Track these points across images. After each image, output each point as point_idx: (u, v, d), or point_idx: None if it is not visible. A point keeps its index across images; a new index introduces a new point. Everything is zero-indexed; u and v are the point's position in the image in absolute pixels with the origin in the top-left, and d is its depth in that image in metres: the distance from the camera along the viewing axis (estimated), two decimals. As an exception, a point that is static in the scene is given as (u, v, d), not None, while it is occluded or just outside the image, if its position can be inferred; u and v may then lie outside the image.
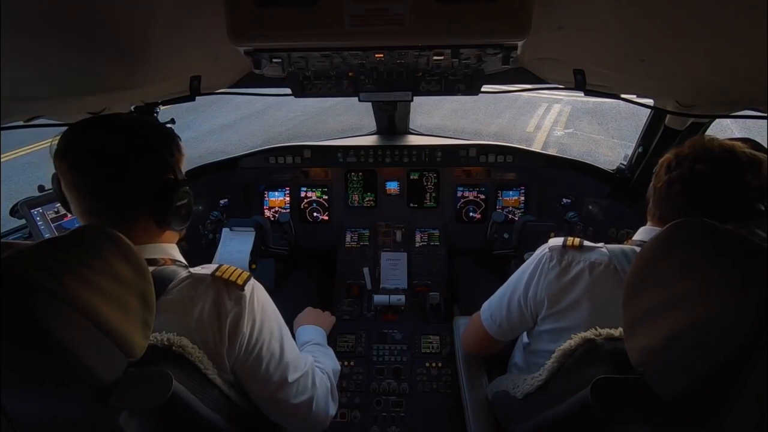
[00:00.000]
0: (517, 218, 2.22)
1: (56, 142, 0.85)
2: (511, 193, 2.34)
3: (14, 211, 1.62)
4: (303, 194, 2.38)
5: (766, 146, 1.02)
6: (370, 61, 1.16)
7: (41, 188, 1.60)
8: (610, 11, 0.84)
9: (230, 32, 0.82)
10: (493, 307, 1.28)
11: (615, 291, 0.93)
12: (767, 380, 0.51)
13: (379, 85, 1.40)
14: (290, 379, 0.98)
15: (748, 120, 1.39)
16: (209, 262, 1.01)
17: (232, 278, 0.87)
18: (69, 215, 1.68)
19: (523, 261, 1.23)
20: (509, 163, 2.25)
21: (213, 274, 0.87)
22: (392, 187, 2.36)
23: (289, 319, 1.53)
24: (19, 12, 0.66)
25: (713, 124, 1.63)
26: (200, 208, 2.16)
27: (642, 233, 1.10)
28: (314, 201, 2.39)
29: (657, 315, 0.67)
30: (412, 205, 2.37)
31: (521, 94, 6.40)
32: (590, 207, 2.15)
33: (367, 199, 2.37)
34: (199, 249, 1.91)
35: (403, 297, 1.96)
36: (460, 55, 1.07)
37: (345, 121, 7.54)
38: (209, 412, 0.81)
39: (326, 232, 2.37)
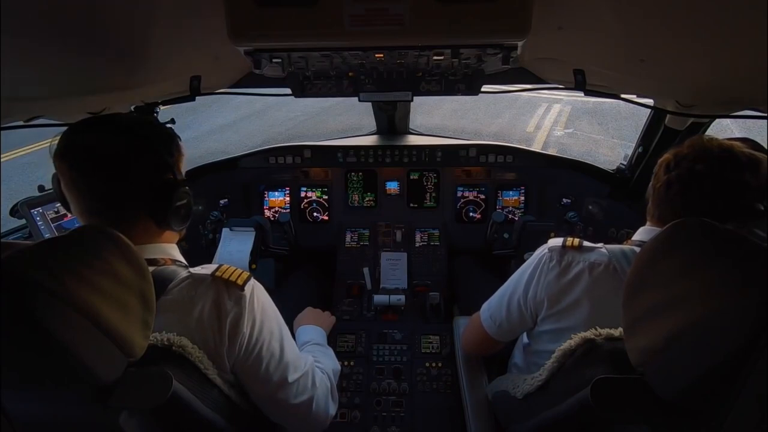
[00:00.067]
0: (517, 218, 2.22)
1: (56, 142, 0.85)
2: (511, 193, 2.34)
3: (14, 211, 1.62)
4: (303, 194, 2.38)
5: (764, 146, 1.02)
6: (370, 61, 1.16)
7: (41, 188, 1.60)
8: (610, 11, 0.84)
9: (230, 32, 0.82)
10: (493, 307, 1.28)
11: (615, 291, 0.94)
12: (767, 380, 0.51)
13: (379, 85, 1.40)
14: (290, 379, 0.98)
15: (748, 120, 1.39)
16: (209, 262, 1.01)
17: (232, 278, 0.87)
18: (69, 215, 1.68)
19: (523, 261, 1.23)
20: (509, 163, 2.25)
21: (213, 274, 0.87)
22: (392, 187, 2.36)
23: (289, 319, 1.53)
24: (19, 12, 0.66)
25: (713, 124, 1.63)
26: (200, 208, 2.16)
27: (641, 233, 1.10)
28: (314, 201, 2.39)
29: (657, 315, 0.67)
30: (412, 205, 2.37)
31: (521, 94, 6.41)
32: (590, 207, 2.15)
33: (367, 199, 2.37)
34: (199, 249, 1.91)
35: (403, 297, 1.96)
36: (460, 55, 1.07)
37: (345, 121, 7.54)
38: (209, 412, 0.81)
39: (326, 232, 2.37)
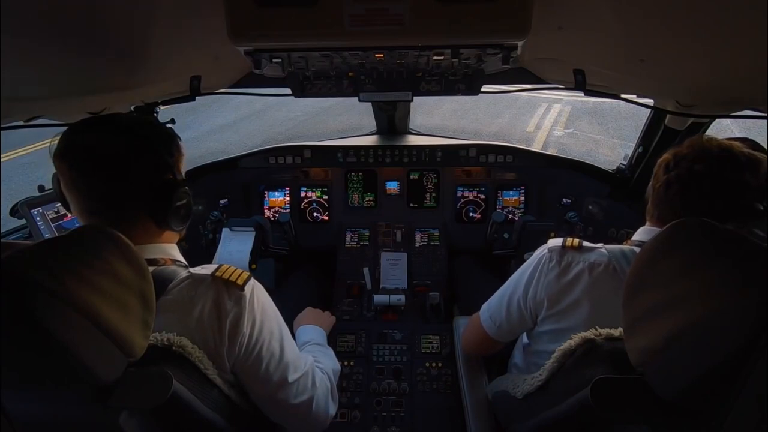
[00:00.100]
0: (517, 218, 2.22)
1: (56, 142, 0.85)
2: (511, 193, 2.34)
3: (14, 211, 1.62)
4: (303, 194, 2.38)
5: (763, 146, 1.02)
6: (370, 61, 1.16)
7: (41, 188, 1.60)
8: (610, 11, 0.84)
9: (230, 32, 0.82)
10: (493, 308, 1.28)
11: (614, 291, 0.94)
12: (767, 380, 0.51)
13: (379, 85, 1.40)
14: (290, 379, 0.98)
15: (748, 120, 1.39)
16: (209, 262, 1.01)
17: (232, 278, 0.87)
18: (69, 215, 1.68)
19: (523, 261, 1.23)
20: (509, 163, 2.25)
21: (213, 274, 0.87)
22: (392, 187, 2.36)
23: (289, 319, 1.53)
24: (19, 12, 0.66)
25: (713, 124, 1.63)
26: (200, 208, 2.16)
27: (641, 233, 1.10)
28: (314, 201, 2.39)
29: (657, 315, 0.67)
30: (412, 205, 2.37)
31: (521, 94, 6.42)
32: (590, 207, 2.15)
33: (367, 199, 2.37)
34: (199, 249, 1.91)
35: (403, 297, 1.96)
36: (460, 55, 1.07)
37: (345, 121, 7.54)
38: (209, 412, 0.81)
39: (326, 232, 2.37)
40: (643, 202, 1.14)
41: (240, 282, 0.87)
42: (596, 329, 0.86)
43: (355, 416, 1.66)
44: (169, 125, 1.02)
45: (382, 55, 1.09)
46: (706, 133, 1.60)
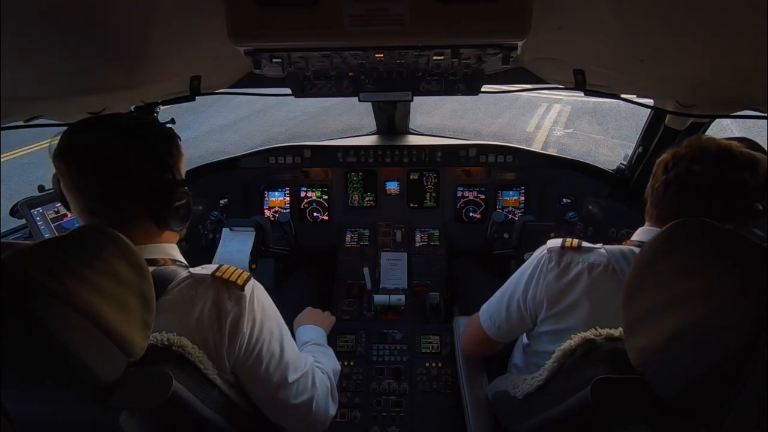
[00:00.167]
0: (517, 218, 2.22)
1: (56, 142, 0.85)
2: (511, 193, 2.34)
3: (14, 211, 1.62)
4: (303, 194, 2.38)
5: (763, 145, 1.02)
6: (370, 61, 1.16)
7: (41, 188, 1.60)
8: (610, 11, 0.84)
9: (230, 32, 0.82)
10: (492, 309, 1.28)
11: (614, 292, 0.94)
12: (767, 380, 0.51)
13: (379, 85, 1.40)
14: (290, 379, 0.98)
15: (748, 120, 1.39)
16: (209, 262, 1.01)
17: (232, 278, 0.87)
18: (69, 215, 1.68)
19: (523, 261, 1.23)
20: (509, 163, 2.25)
21: (213, 274, 0.87)
22: (392, 187, 2.36)
23: (289, 319, 1.53)
24: (19, 12, 0.66)
25: (713, 124, 1.63)
26: (200, 208, 2.16)
27: (640, 234, 1.10)
28: (314, 201, 2.39)
29: (657, 315, 0.67)
30: (412, 205, 2.37)
31: (521, 94, 6.42)
32: (590, 207, 2.15)
33: (367, 199, 2.37)
34: (199, 249, 1.91)
35: (403, 297, 1.96)
36: (460, 55, 1.07)
37: (345, 121, 7.54)
38: (209, 412, 0.81)
39: (326, 232, 2.37)
40: (643, 202, 1.14)
41: (240, 282, 0.87)
42: (596, 329, 0.86)
43: (355, 416, 1.66)
44: (169, 125, 1.02)
45: (382, 55, 1.09)
46: (706, 133, 1.61)
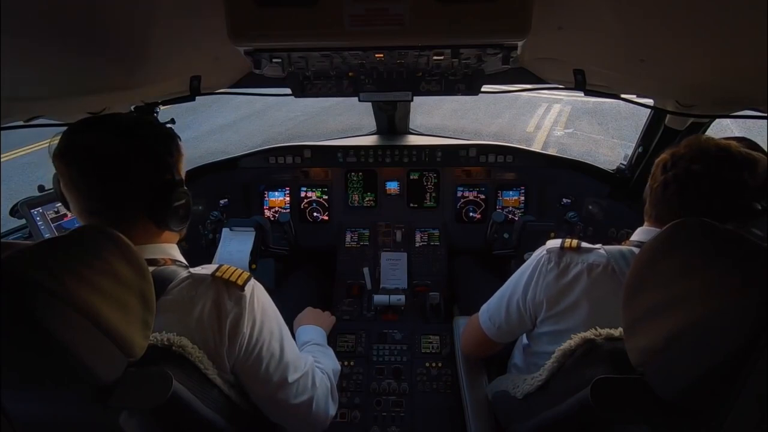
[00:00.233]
0: (517, 218, 2.22)
1: (56, 142, 0.85)
2: (511, 193, 2.34)
3: (14, 211, 1.62)
4: (303, 194, 2.38)
5: (762, 145, 1.02)
6: (370, 61, 1.16)
7: (41, 188, 1.61)
8: (610, 11, 0.84)
9: (230, 32, 0.82)
10: (492, 309, 1.28)
11: (613, 292, 0.94)
12: (767, 380, 0.51)
13: (379, 85, 1.40)
14: (290, 379, 0.98)
15: (748, 120, 1.39)
16: (209, 262, 1.01)
17: (232, 278, 0.87)
18: (69, 215, 1.68)
19: (523, 261, 1.23)
20: (509, 163, 2.25)
21: (213, 274, 0.87)
22: (392, 187, 2.36)
23: (289, 319, 1.53)
24: (19, 12, 0.66)
25: (713, 124, 1.63)
26: (200, 208, 2.16)
27: (639, 234, 1.10)
28: (314, 201, 2.39)
29: (657, 315, 0.67)
30: (412, 205, 2.37)
31: (521, 94, 6.42)
32: (590, 207, 2.15)
33: (367, 199, 2.37)
34: (199, 249, 1.91)
35: (403, 297, 1.96)
36: (460, 55, 1.07)
37: (345, 121, 7.54)
38: (209, 412, 0.81)
39: (326, 232, 2.37)
40: (642, 202, 1.14)
41: (240, 282, 0.87)
42: (596, 329, 0.86)
43: (355, 416, 1.66)
44: (169, 125, 1.02)
45: (382, 55, 1.09)
46: (705, 134, 1.61)
